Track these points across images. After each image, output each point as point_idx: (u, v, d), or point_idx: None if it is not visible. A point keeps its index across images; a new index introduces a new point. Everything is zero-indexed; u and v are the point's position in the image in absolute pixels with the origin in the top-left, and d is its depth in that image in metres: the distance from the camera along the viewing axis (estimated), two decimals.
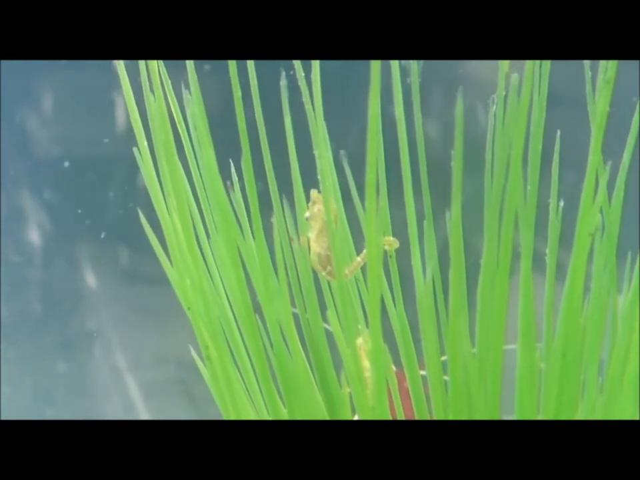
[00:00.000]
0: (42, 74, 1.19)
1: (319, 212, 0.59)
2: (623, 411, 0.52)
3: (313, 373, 0.59)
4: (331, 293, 0.61)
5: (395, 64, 0.60)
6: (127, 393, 1.16)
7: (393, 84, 0.59)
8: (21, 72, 1.18)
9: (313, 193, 0.60)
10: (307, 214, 0.60)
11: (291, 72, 0.59)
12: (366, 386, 0.53)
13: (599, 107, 0.49)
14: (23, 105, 1.21)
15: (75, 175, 1.20)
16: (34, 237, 1.19)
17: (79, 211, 1.18)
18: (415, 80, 0.60)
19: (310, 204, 0.60)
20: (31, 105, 1.20)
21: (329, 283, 0.61)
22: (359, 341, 0.56)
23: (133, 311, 1.17)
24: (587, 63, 0.54)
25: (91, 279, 1.18)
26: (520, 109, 0.48)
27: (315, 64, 0.59)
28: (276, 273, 0.55)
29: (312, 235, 0.59)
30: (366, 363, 0.54)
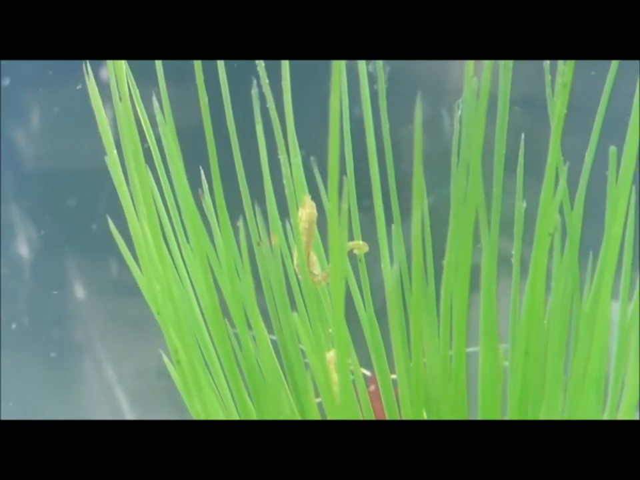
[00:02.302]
0: (30, 88, 1.20)
1: (302, 215, 0.60)
2: (586, 410, 0.52)
3: (284, 375, 0.60)
4: (302, 296, 0.61)
5: (363, 70, 0.61)
6: (114, 403, 1.17)
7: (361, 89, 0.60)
8: (10, 86, 1.19)
9: (305, 196, 0.60)
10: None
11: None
12: (335, 397, 0.53)
13: (556, 109, 0.50)
14: (11, 119, 1.22)
15: (63, 188, 1.21)
16: (22, 249, 1.20)
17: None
18: (381, 85, 0.61)
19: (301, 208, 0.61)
20: (20, 118, 1.21)
21: (300, 286, 0.61)
22: (329, 355, 0.56)
23: (118, 322, 1.18)
24: (547, 66, 0.55)
25: (78, 291, 1.19)
26: (478, 111, 0.49)
27: (285, 70, 0.60)
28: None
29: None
30: (335, 377, 0.54)
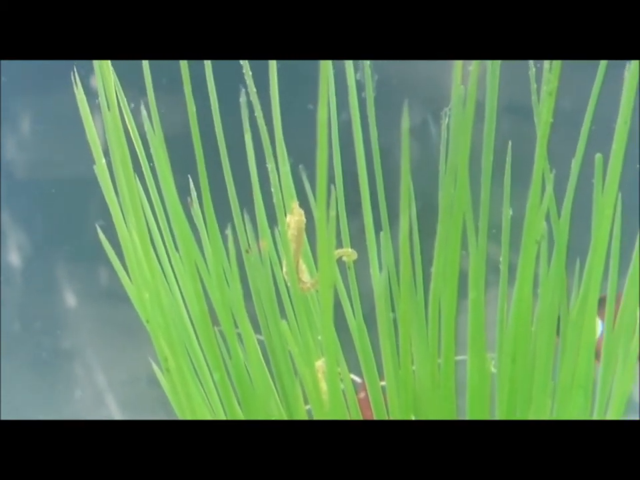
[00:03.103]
0: (22, 95, 1.20)
1: (290, 222, 0.60)
2: (574, 417, 0.52)
3: (274, 382, 0.60)
4: (292, 303, 0.61)
5: (351, 76, 0.61)
6: (104, 409, 1.17)
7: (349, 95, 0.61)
8: (1, 93, 1.19)
9: (293, 203, 0.60)
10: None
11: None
12: (324, 404, 0.54)
13: (542, 117, 0.50)
14: (2, 126, 1.21)
15: (54, 195, 1.20)
16: (13, 256, 1.20)
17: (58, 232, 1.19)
18: (369, 92, 0.61)
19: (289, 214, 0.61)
20: (11, 125, 1.21)
21: (289, 293, 0.61)
22: (318, 363, 0.56)
23: (109, 328, 1.18)
24: (532, 74, 0.56)
25: (69, 298, 1.19)
26: (465, 118, 0.49)
27: (273, 78, 0.60)
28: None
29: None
30: (323, 385, 0.55)
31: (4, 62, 1.14)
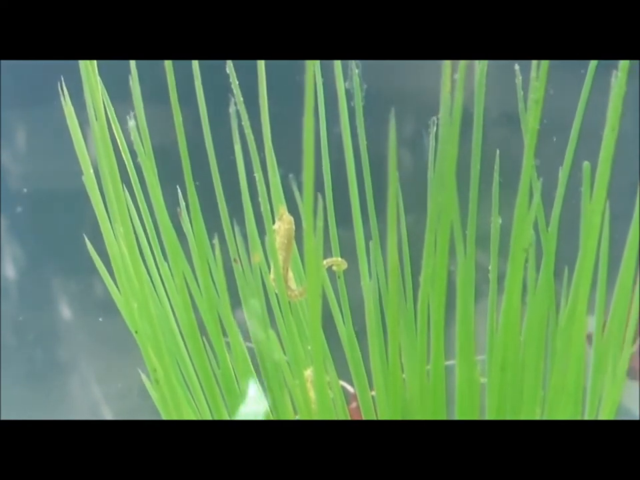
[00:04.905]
0: (16, 107, 1.20)
1: (280, 230, 0.60)
2: None
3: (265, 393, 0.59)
4: (281, 312, 0.61)
5: (340, 85, 0.61)
6: None
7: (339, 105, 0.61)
8: None
9: (280, 208, 0.60)
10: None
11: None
12: (313, 414, 0.53)
13: (529, 125, 0.50)
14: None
15: (49, 207, 1.20)
16: (7, 268, 1.20)
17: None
18: (358, 102, 0.61)
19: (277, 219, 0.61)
20: (6, 137, 1.21)
21: (279, 303, 0.61)
22: (307, 373, 0.56)
23: (103, 341, 1.18)
24: (519, 82, 0.56)
25: (64, 310, 1.19)
26: (452, 127, 0.49)
27: (262, 87, 0.60)
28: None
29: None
30: (312, 395, 0.54)
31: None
